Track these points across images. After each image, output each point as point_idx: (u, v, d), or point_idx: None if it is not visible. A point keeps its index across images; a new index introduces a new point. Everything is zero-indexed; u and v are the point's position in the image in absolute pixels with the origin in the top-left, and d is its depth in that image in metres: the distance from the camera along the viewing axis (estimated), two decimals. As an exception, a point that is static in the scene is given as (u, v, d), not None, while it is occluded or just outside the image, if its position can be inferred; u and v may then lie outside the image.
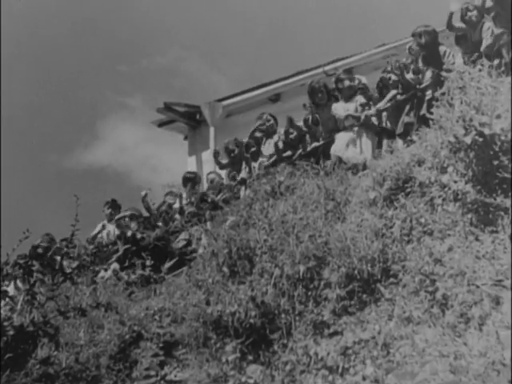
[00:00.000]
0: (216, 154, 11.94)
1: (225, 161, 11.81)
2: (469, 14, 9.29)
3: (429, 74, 9.53)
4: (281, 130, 11.05)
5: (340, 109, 9.99)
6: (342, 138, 9.75)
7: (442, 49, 9.65)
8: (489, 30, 9.12)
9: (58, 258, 9.73)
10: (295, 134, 10.57)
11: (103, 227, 11.82)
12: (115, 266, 9.95)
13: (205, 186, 12.38)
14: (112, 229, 11.49)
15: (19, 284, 9.03)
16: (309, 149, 10.19)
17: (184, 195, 11.35)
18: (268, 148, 11.07)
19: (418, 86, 9.58)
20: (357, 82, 10.33)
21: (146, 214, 11.19)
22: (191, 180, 11.68)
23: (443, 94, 7.62)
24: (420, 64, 9.76)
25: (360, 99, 9.97)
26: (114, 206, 11.93)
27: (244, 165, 11.36)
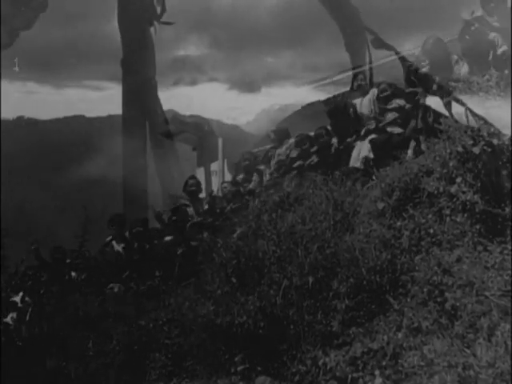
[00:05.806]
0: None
1: (238, 173, 11.86)
2: (472, 28, 9.31)
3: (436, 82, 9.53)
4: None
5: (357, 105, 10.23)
6: (357, 149, 9.84)
7: (453, 57, 9.65)
8: (494, 40, 9.13)
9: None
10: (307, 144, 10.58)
11: (111, 240, 11.86)
12: (123, 276, 9.94)
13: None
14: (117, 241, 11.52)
15: (26, 298, 9.05)
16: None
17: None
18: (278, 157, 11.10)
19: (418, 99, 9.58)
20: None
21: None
22: (194, 191, 11.69)
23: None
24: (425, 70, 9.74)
25: (373, 95, 10.11)
26: (117, 220, 11.98)
27: (254, 176, 11.39)
